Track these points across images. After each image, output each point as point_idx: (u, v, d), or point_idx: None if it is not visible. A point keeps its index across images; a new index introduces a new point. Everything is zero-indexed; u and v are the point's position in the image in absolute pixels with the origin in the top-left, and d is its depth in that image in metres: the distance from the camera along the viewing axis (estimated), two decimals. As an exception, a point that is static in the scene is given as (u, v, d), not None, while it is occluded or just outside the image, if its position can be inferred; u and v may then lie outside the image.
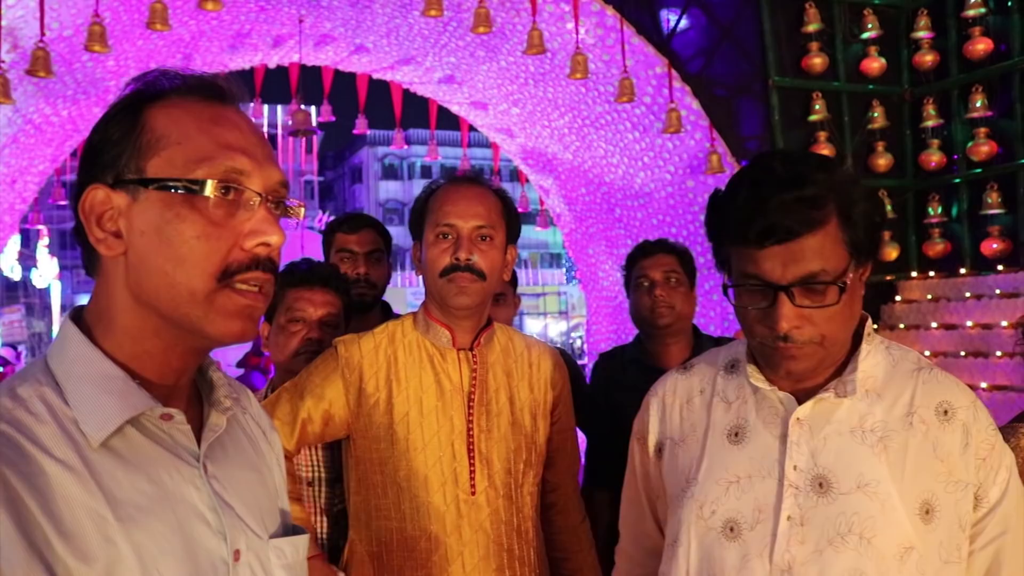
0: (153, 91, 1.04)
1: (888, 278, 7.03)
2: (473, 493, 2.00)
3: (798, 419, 1.41)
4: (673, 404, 1.60)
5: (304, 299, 2.44)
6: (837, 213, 1.34)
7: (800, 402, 1.42)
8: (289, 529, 1.19)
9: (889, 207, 6.89)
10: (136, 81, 1.06)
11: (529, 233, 36.61)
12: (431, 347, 2.06)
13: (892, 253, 6.92)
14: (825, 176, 1.34)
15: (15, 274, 17.88)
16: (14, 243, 13.76)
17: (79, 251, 1.06)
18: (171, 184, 0.99)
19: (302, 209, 1.11)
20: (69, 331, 1.03)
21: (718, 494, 1.44)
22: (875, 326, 5.55)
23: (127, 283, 1.01)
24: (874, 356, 1.45)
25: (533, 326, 29.70)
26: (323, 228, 3.20)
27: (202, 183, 0.99)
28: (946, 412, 1.41)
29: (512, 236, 2.11)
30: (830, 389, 1.41)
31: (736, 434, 1.47)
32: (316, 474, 2.37)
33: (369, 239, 3.07)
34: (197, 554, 0.99)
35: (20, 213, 8.33)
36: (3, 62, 5.38)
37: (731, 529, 1.40)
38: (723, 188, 1.44)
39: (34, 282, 19.33)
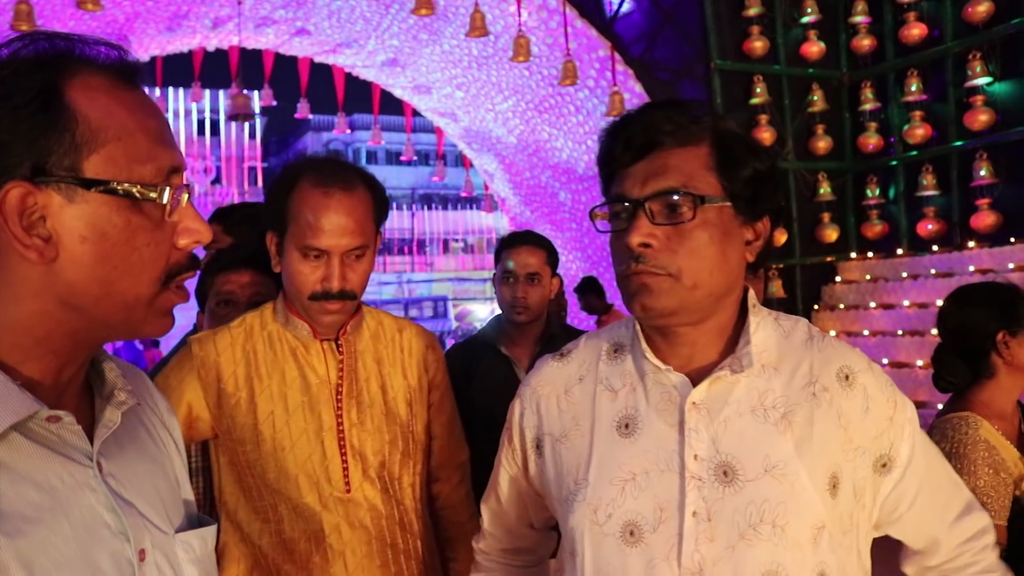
0: (63, 64, 0.91)
1: (828, 259, 7.10)
2: (348, 491, 1.85)
3: (694, 403, 1.28)
4: (550, 395, 1.44)
5: (231, 282, 2.36)
6: (711, 142, 1.28)
7: (695, 385, 1.29)
8: (194, 520, 1.12)
9: (828, 189, 6.97)
10: (27, 44, 0.91)
11: (474, 218, 36.59)
12: (293, 339, 1.89)
13: (832, 235, 7.00)
14: (709, 112, 1.30)
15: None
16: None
17: None
18: (123, 189, 0.89)
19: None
20: None
21: (613, 495, 1.29)
22: (815, 307, 5.56)
23: (51, 287, 0.90)
24: (764, 328, 1.34)
25: (480, 311, 29.71)
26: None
27: (159, 188, 0.91)
28: (847, 377, 1.31)
29: (380, 222, 1.88)
30: (724, 367, 1.28)
31: (627, 426, 1.33)
32: (195, 464, 2.29)
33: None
34: (98, 560, 0.92)
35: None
36: (-76, 42, 5.15)
37: (631, 533, 1.27)
38: None
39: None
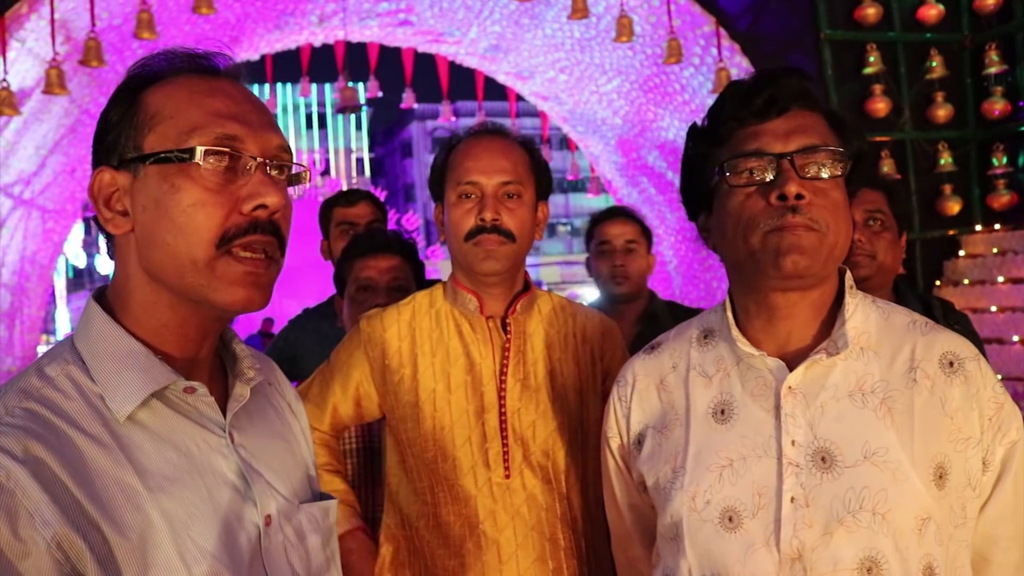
0: (150, 74, 1.07)
1: (951, 233, 6.83)
2: (507, 476, 1.81)
3: (790, 388, 1.28)
4: (648, 388, 1.45)
5: (369, 267, 2.43)
6: (824, 115, 1.33)
7: (790, 369, 1.29)
8: (318, 496, 1.22)
9: (950, 159, 6.70)
10: (137, 66, 1.09)
11: (581, 201, 36.44)
12: (460, 317, 1.89)
13: (954, 207, 6.72)
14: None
15: (80, 261, 18.36)
16: (78, 231, 14.09)
17: None
18: (165, 156, 1.01)
19: (307, 173, 1.13)
20: (92, 310, 1.06)
21: (710, 482, 1.30)
22: (937, 282, 5.37)
23: (139, 259, 1.04)
24: (863, 310, 1.33)
25: (588, 295, 29.61)
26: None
27: (192, 150, 1.01)
28: (952, 364, 1.28)
29: (543, 192, 1.92)
30: (821, 350, 1.28)
31: (722, 412, 1.34)
32: (355, 445, 2.38)
33: (367, 211, 3.17)
34: (228, 520, 1.03)
35: (81, 201, 8.53)
36: (57, 54, 5.49)
37: (730, 519, 1.27)
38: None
39: (99, 269, 19.81)
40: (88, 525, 0.91)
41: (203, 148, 1.02)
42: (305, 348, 2.97)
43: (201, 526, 0.99)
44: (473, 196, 1.82)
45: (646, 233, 3.18)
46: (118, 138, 1.04)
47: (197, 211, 1.01)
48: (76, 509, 0.91)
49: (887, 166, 6.50)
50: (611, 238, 3.11)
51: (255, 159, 1.05)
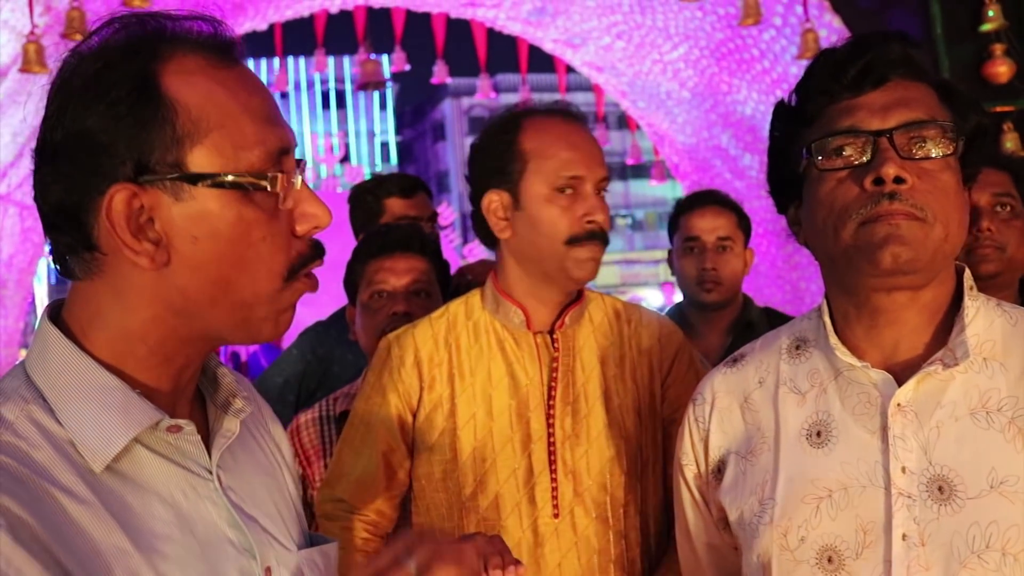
0: (156, 48, 0.97)
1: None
2: (556, 516, 1.82)
3: (899, 405, 1.27)
4: (730, 407, 1.45)
5: (385, 269, 2.40)
6: (932, 84, 1.32)
7: (899, 383, 1.28)
8: (309, 537, 1.20)
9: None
10: (117, 30, 0.97)
11: (643, 188, 36.35)
12: (502, 330, 1.90)
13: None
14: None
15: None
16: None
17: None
18: (231, 181, 0.96)
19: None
20: (50, 335, 0.99)
21: (806, 515, 1.30)
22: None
23: (164, 294, 0.98)
24: (986, 315, 1.31)
25: (653, 298, 29.52)
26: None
27: (270, 177, 0.97)
28: None
29: None
30: (935, 361, 1.26)
31: (818, 434, 1.33)
32: None
33: (426, 205, 3.07)
34: None
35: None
36: (36, 27, 5.58)
37: (829, 560, 1.27)
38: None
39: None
40: None
41: (281, 175, 0.98)
42: (339, 357, 2.96)
43: None
44: (572, 192, 1.83)
45: (743, 224, 3.06)
46: (142, 145, 0.93)
47: (266, 244, 0.98)
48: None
49: (1011, 141, 6.38)
50: (700, 233, 2.99)
51: (298, 170, 1.02)
